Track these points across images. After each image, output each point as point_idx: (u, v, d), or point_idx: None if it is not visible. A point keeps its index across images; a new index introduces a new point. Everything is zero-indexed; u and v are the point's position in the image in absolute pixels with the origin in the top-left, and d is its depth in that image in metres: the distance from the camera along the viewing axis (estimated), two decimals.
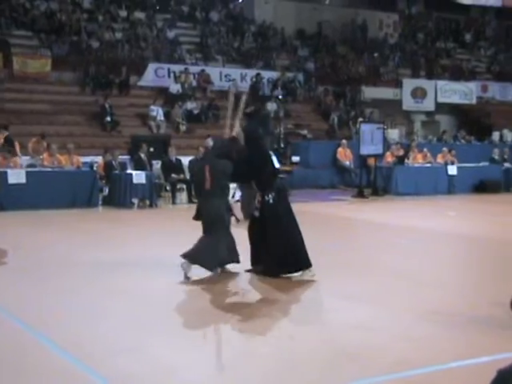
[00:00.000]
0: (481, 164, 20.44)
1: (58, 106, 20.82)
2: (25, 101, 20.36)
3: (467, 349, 5.24)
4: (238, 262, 7.83)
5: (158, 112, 21.19)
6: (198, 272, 7.62)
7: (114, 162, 15.75)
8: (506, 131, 25.42)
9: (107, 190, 15.45)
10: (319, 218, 13.37)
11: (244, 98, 8.52)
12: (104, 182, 15.57)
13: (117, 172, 15.45)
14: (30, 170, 14.73)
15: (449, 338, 5.54)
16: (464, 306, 6.60)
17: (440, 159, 19.84)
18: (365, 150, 18.44)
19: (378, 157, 18.74)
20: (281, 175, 8.82)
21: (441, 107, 28.27)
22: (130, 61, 23.40)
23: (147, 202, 15.13)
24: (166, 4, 27.53)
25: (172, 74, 23.41)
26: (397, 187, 18.40)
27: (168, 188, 16.09)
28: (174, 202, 15.67)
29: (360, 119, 22.26)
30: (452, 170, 19.19)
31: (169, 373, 4.73)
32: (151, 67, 23.29)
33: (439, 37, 33.05)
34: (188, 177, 15.06)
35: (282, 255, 7.55)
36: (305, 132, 22.77)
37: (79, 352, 5.07)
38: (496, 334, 5.54)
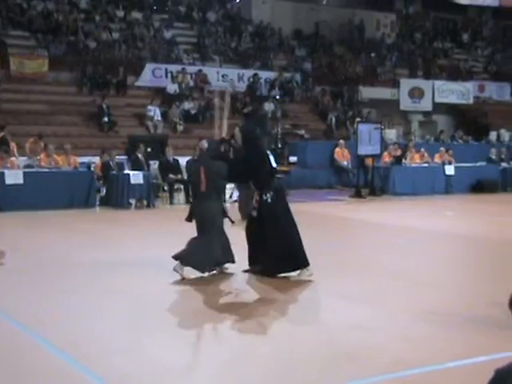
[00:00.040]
0: (478, 164, 20.45)
1: (55, 107, 20.81)
2: (22, 101, 20.34)
3: (464, 348, 5.25)
4: (233, 262, 7.83)
5: (155, 112, 21.20)
6: (196, 272, 7.62)
7: (111, 163, 15.73)
8: (503, 131, 25.43)
9: (104, 191, 15.44)
10: (317, 218, 13.37)
11: (228, 98, 8.57)
12: (101, 182, 15.56)
13: (114, 172, 15.43)
14: (27, 170, 14.71)
15: (446, 337, 5.54)
16: (461, 305, 6.61)
17: (437, 159, 19.85)
18: (362, 150, 18.44)
19: (376, 157, 18.74)
20: (278, 175, 8.83)
21: (438, 107, 28.29)
22: (127, 61, 23.40)
23: (145, 203, 15.12)
24: (163, 4, 27.53)
25: (169, 74, 23.41)
26: (394, 187, 18.41)
27: (165, 188, 16.07)
28: (171, 203, 15.66)
29: (357, 119, 22.27)
30: (449, 169, 19.21)
31: (166, 373, 4.72)
32: (148, 67, 23.28)
33: (436, 37, 33.08)
34: (185, 177, 15.05)
35: (279, 254, 7.55)
36: (302, 132, 22.77)
37: (76, 352, 5.06)
38: (493, 334, 5.54)
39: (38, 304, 6.57)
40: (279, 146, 19.87)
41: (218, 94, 8.72)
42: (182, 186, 15.96)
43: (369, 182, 18.59)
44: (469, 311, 6.34)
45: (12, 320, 5.96)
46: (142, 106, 21.49)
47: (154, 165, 16.44)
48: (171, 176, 15.76)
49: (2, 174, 13.96)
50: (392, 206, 16.47)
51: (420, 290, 7.27)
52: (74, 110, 20.92)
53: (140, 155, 16.22)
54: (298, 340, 5.47)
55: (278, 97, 23.88)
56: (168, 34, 25.47)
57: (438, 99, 28.13)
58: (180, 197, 15.99)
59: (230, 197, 16.02)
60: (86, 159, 16.60)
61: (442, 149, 20.29)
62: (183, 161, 15.58)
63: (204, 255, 7.54)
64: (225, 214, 7.86)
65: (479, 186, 19.50)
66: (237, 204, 13.84)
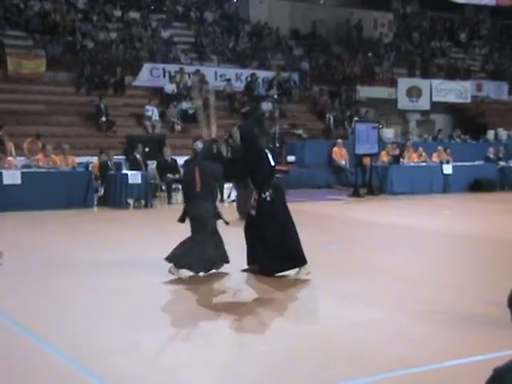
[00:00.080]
0: (476, 163, 20.47)
1: (53, 107, 20.79)
2: (19, 101, 20.32)
3: (463, 347, 5.25)
4: (227, 262, 7.84)
5: (153, 112, 21.18)
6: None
7: (109, 163, 15.73)
8: (500, 130, 25.47)
9: (102, 191, 15.44)
10: (315, 218, 13.37)
11: (212, 98, 8.63)
12: (99, 182, 15.56)
13: (112, 172, 15.43)
14: (25, 170, 14.70)
15: (445, 337, 5.55)
16: (460, 305, 6.61)
17: (435, 158, 19.86)
18: (360, 150, 18.46)
19: (374, 156, 18.76)
20: (277, 175, 8.85)
21: (436, 106, 28.31)
22: (124, 61, 23.38)
23: (143, 202, 15.12)
24: (161, 4, 27.51)
25: (167, 74, 23.40)
26: (392, 186, 18.42)
27: (163, 188, 16.07)
28: (169, 202, 15.65)
29: (355, 119, 22.28)
30: (447, 169, 19.22)
31: (165, 373, 4.72)
32: (146, 67, 23.27)
33: (434, 36, 33.11)
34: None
35: (278, 253, 7.57)
36: (300, 132, 22.77)
37: (75, 352, 5.06)
38: (492, 333, 5.55)
39: (37, 304, 6.57)
40: (277, 145, 19.87)
41: (197, 92, 8.76)
42: (179, 186, 15.92)
43: (367, 181, 18.61)
44: (467, 310, 6.35)
45: (10, 320, 5.96)
46: (140, 106, 21.48)
47: (152, 165, 16.42)
48: (169, 176, 15.75)
49: (0, 174, 13.95)
50: (390, 205, 16.48)
51: (419, 289, 7.28)
52: (72, 110, 20.90)
53: (138, 155, 16.22)
54: (297, 339, 5.47)
55: (275, 96, 23.88)
56: (166, 34, 25.46)
57: (435, 98, 28.14)
58: (178, 196, 15.97)
59: (228, 196, 16.04)
60: (84, 159, 16.60)
61: (439, 148, 20.30)
62: (181, 161, 15.50)
63: (197, 256, 7.55)
64: (219, 215, 7.86)
65: (477, 185, 19.52)
66: (235, 203, 13.84)
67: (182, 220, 7.87)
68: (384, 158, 19.23)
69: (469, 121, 28.35)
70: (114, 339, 5.46)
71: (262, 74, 25.41)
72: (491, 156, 21.30)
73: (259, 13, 29.26)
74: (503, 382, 2.49)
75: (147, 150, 17.24)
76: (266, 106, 23.33)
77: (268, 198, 7.59)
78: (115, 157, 16.36)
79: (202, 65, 24.88)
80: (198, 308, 6.56)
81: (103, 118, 20.45)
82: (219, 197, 15.72)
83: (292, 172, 18.64)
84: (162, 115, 21.57)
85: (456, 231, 11.86)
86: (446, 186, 19.10)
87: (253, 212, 7.74)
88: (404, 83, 27.92)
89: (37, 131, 17.33)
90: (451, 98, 28.62)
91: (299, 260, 7.65)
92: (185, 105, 22.20)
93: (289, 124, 23.20)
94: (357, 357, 5.00)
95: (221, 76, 24.59)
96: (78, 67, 22.10)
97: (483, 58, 33.22)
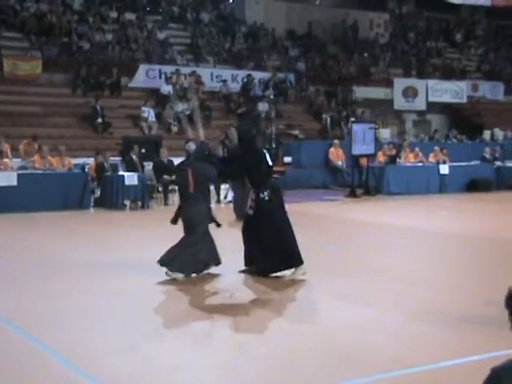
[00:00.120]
0: (472, 163, 20.48)
1: (49, 108, 20.76)
2: (16, 103, 20.29)
3: (460, 347, 5.25)
4: (218, 264, 7.82)
5: (149, 113, 21.17)
6: None
7: (105, 164, 15.70)
8: (496, 130, 25.51)
9: (99, 192, 15.41)
10: (312, 218, 13.37)
11: (195, 101, 8.73)
12: (96, 183, 15.53)
13: (108, 174, 15.40)
14: (21, 172, 14.66)
15: (442, 337, 5.55)
16: (456, 305, 6.61)
17: (432, 158, 19.87)
18: (357, 150, 18.46)
19: (370, 156, 18.77)
20: (275, 175, 8.87)
21: (432, 106, 28.35)
22: (120, 62, 23.36)
23: (139, 204, 15.10)
24: (157, 5, 27.49)
25: (163, 75, 23.38)
26: (389, 187, 18.43)
27: (160, 189, 16.05)
28: (166, 204, 15.62)
29: (352, 119, 22.28)
30: (444, 169, 19.23)
31: (163, 374, 4.71)
32: (142, 68, 23.26)
33: (430, 36, 33.15)
34: None
35: (274, 252, 7.59)
36: (296, 132, 22.77)
37: (70, 354, 5.05)
38: (489, 333, 5.55)
39: (33, 305, 6.55)
40: (273, 146, 19.86)
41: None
42: (176, 187, 15.92)
43: (363, 181, 18.61)
44: (464, 310, 6.35)
45: (6, 322, 5.94)
46: (136, 108, 21.46)
47: (149, 166, 16.41)
48: (165, 177, 15.72)
49: None
50: (386, 206, 16.49)
51: (415, 289, 7.28)
52: (68, 112, 20.88)
53: (134, 156, 16.20)
54: (295, 340, 5.47)
55: (272, 97, 23.89)
56: (161, 35, 25.44)
57: (431, 98, 28.18)
58: (174, 198, 15.93)
59: (225, 197, 16.03)
60: (80, 161, 16.57)
61: (436, 148, 20.31)
62: (177, 162, 15.52)
63: (189, 258, 7.56)
64: (212, 218, 7.85)
65: (473, 185, 19.53)
66: (232, 205, 13.83)
67: (174, 221, 7.88)
68: (380, 158, 19.24)
69: (465, 121, 28.40)
70: (111, 340, 5.45)
71: (258, 75, 25.41)
72: (487, 156, 21.33)
73: (255, 14, 29.26)
74: (501, 381, 2.50)
75: (143, 151, 17.21)
76: (262, 106, 23.34)
77: (266, 198, 7.61)
78: (111, 158, 16.33)
79: (198, 66, 24.87)
80: (195, 309, 6.55)
81: (99, 120, 20.42)
82: (216, 198, 15.77)
83: (288, 173, 18.64)
84: (158, 116, 21.55)
85: (452, 231, 11.87)
86: (443, 186, 19.11)
87: (250, 212, 7.74)
88: (400, 83, 27.96)
89: (33, 133, 17.30)
90: (447, 98, 28.67)
91: (296, 260, 7.66)
92: (181, 106, 22.19)
93: (285, 125, 23.20)
94: (353, 357, 4.99)
95: (217, 77, 24.59)
96: (74, 68, 22.06)
97: (479, 58, 33.28)
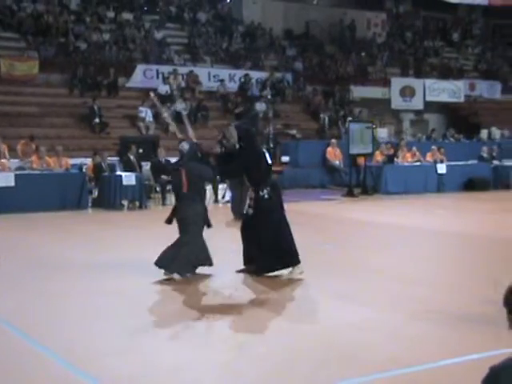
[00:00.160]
0: (469, 162, 20.51)
1: (46, 109, 20.74)
2: (13, 103, 20.26)
3: (459, 346, 5.26)
4: (211, 264, 7.81)
5: (146, 113, 21.15)
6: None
7: (103, 164, 15.70)
8: (494, 129, 25.54)
9: (97, 192, 15.41)
10: (309, 218, 13.38)
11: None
12: (93, 183, 15.53)
13: (106, 174, 15.40)
14: (18, 172, 14.66)
15: (440, 336, 5.55)
16: (455, 304, 6.62)
17: (429, 158, 19.90)
18: (354, 150, 18.48)
19: (368, 156, 18.79)
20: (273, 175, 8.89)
21: (429, 106, 28.36)
22: (118, 62, 23.34)
23: (137, 204, 15.11)
24: (154, 5, 27.47)
25: (160, 75, 23.36)
26: (386, 186, 18.45)
27: (158, 189, 16.05)
28: (163, 204, 15.61)
29: (349, 118, 22.29)
30: (441, 168, 19.25)
31: (163, 374, 4.71)
32: (139, 68, 23.23)
33: (427, 36, 33.17)
34: None
35: (272, 252, 7.60)
36: (294, 132, 22.77)
37: (69, 354, 5.05)
38: (488, 332, 5.56)
39: (32, 306, 6.55)
40: (271, 145, 19.85)
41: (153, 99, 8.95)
42: None
43: (361, 181, 18.63)
44: (462, 309, 6.36)
45: (6, 323, 5.94)
46: (134, 108, 21.44)
47: (146, 166, 16.40)
48: (163, 177, 15.71)
49: None
50: (384, 205, 16.51)
51: (413, 288, 7.29)
52: (65, 112, 20.86)
53: (132, 156, 16.19)
54: (294, 340, 5.47)
55: (269, 97, 23.88)
56: (159, 35, 25.42)
57: (429, 98, 28.19)
58: (172, 198, 15.87)
59: (223, 197, 16.03)
60: (77, 161, 16.56)
61: (433, 147, 20.34)
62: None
63: (184, 258, 7.55)
64: (206, 219, 7.83)
65: (471, 184, 19.56)
66: (229, 204, 13.83)
67: (168, 221, 7.88)
68: (378, 157, 19.26)
69: (462, 120, 28.42)
70: (110, 340, 5.45)
71: (256, 75, 25.40)
72: (485, 155, 21.36)
73: (252, 13, 29.25)
74: (499, 380, 2.50)
75: (141, 151, 17.21)
76: (260, 106, 23.32)
77: (266, 196, 7.63)
78: (109, 158, 16.33)
79: (196, 66, 24.86)
80: (194, 309, 6.55)
81: (97, 120, 20.40)
82: (214, 198, 15.77)
83: (286, 172, 18.64)
84: (156, 116, 21.53)
85: (450, 230, 11.88)
86: (440, 185, 19.14)
87: (250, 211, 7.74)
88: (397, 83, 27.97)
89: (30, 133, 17.29)
90: (444, 98, 28.69)
91: (293, 259, 7.68)
92: (179, 106, 22.16)
93: (282, 124, 23.19)
94: (352, 357, 5.00)
95: (214, 77, 24.58)
96: (71, 69, 22.04)
97: (476, 57, 33.30)
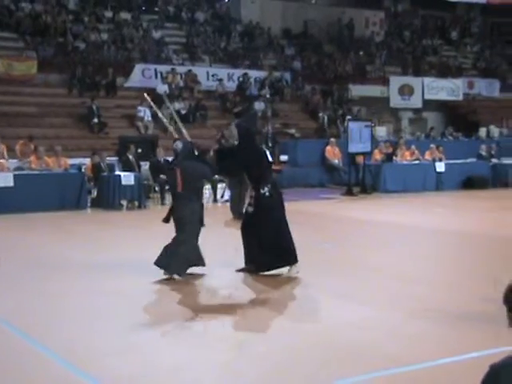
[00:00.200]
0: (468, 160, 20.51)
1: (45, 109, 20.72)
2: (11, 103, 20.24)
3: (459, 344, 5.26)
4: (203, 265, 7.80)
5: (145, 113, 21.13)
6: (189, 270, 7.62)
7: (102, 164, 15.68)
8: (492, 127, 25.54)
9: (95, 192, 15.40)
10: (308, 217, 13.38)
11: (167, 100, 8.87)
12: (92, 183, 15.51)
13: (105, 174, 15.39)
14: (17, 173, 14.64)
15: (440, 334, 5.56)
16: (454, 302, 6.63)
17: (428, 156, 19.90)
18: (353, 148, 18.48)
19: (367, 154, 18.79)
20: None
21: (428, 104, 28.36)
22: (116, 62, 23.32)
23: (136, 204, 15.09)
24: (152, 4, 27.46)
25: (159, 75, 23.35)
26: (385, 184, 18.45)
27: (157, 189, 16.04)
28: (162, 203, 15.59)
29: (348, 117, 22.29)
30: (440, 166, 19.25)
31: (163, 373, 4.71)
32: (138, 68, 23.22)
33: (425, 34, 33.17)
34: None
35: (272, 250, 7.61)
36: (293, 131, 22.77)
37: (71, 354, 5.05)
38: (487, 330, 5.56)
39: (31, 306, 6.55)
40: (270, 145, 19.86)
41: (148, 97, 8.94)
42: None
43: (360, 179, 18.63)
44: (462, 308, 6.36)
45: (5, 323, 5.94)
46: (132, 107, 21.42)
47: (145, 166, 16.40)
48: (162, 177, 15.70)
49: None
50: (383, 204, 16.51)
51: (413, 287, 7.29)
52: (64, 112, 20.84)
53: (131, 156, 16.18)
54: (295, 339, 5.47)
55: (268, 96, 23.87)
56: (157, 35, 25.41)
57: (427, 96, 28.18)
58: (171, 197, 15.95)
59: (222, 196, 16.03)
60: (76, 161, 16.55)
61: (432, 146, 20.33)
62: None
63: (181, 258, 7.55)
64: (200, 217, 7.81)
65: (470, 183, 19.56)
66: (228, 203, 13.83)
67: (166, 220, 7.88)
68: (377, 156, 19.26)
69: (461, 118, 28.42)
70: (110, 340, 5.45)
71: (254, 74, 25.39)
72: (483, 153, 21.36)
73: (251, 12, 29.24)
74: (499, 378, 2.50)
75: (140, 150, 17.19)
76: (259, 105, 23.32)
77: (267, 194, 7.64)
78: (108, 158, 16.31)
79: (194, 65, 24.85)
80: (194, 308, 6.55)
81: (95, 120, 20.39)
82: (212, 197, 15.77)
83: (285, 171, 18.65)
84: (155, 116, 21.51)
85: (449, 229, 11.88)
86: (439, 183, 19.14)
87: (250, 209, 7.75)
88: (396, 81, 27.96)
89: (29, 133, 17.27)
90: (443, 96, 28.68)
91: (292, 258, 7.69)
92: (177, 105, 22.15)
93: (281, 123, 23.20)
94: (352, 355, 5.00)
95: (213, 76, 24.57)
96: (70, 69, 22.02)
97: (474, 55, 33.30)
